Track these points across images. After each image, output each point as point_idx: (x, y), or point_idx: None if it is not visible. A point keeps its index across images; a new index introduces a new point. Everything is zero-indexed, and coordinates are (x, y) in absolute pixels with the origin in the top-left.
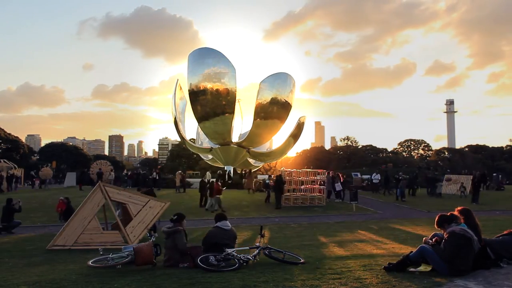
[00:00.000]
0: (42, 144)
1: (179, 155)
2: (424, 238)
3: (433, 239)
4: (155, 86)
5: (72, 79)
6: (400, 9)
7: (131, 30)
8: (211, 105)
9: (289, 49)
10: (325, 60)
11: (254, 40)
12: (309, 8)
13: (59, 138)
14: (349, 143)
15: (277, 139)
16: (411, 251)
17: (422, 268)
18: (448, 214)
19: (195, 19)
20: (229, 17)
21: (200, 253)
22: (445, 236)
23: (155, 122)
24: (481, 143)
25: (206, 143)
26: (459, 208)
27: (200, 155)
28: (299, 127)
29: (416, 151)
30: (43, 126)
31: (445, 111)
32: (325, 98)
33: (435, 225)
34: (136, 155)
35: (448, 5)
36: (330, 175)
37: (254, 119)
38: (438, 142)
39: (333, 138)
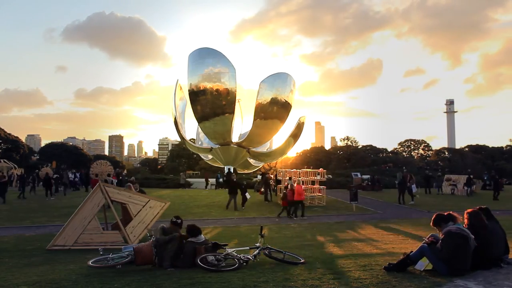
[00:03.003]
0: (42, 144)
1: (179, 155)
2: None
3: (429, 238)
4: (129, 86)
5: (45, 83)
6: (360, 14)
7: (93, 35)
8: (211, 105)
9: (256, 51)
10: (295, 62)
11: (220, 40)
12: (271, 12)
13: (59, 138)
14: (349, 143)
15: (277, 139)
16: (411, 251)
17: (425, 263)
18: (446, 214)
19: (146, 18)
20: (188, 18)
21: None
22: (441, 236)
23: (144, 122)
24: (475, 142)
25: (206, 143)
26: (469, 210)
27: (200, 155)
28: (299, 127)
29: (416, 151)
30: (32, 126)
31: (445, 111)
32: (306, 98)
33: (431, 224)
34: (136, 155)
35: (408, 11)
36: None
37: (254, 119)
38: (429, 142)
39: (333, 138)
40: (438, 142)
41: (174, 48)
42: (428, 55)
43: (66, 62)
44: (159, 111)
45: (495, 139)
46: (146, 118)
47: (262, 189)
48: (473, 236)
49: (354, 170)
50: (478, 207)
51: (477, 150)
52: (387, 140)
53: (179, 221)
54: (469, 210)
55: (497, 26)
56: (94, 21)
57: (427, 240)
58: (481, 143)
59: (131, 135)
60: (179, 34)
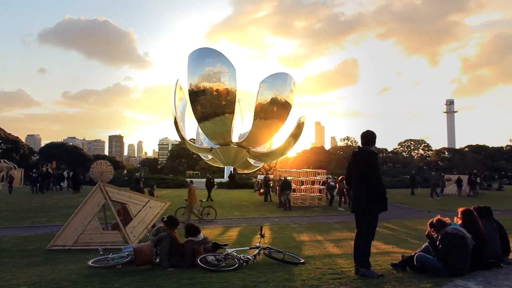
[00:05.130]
0: (42, 144)
1: (179, 155)
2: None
3: (432, 230)
4: (111, 87)
5: (28, 84)
6: (333, 18)
7: (67, 38)
8: (211, 105)
9: (232, 53)
10: (273, 63)
11: (194, 42)
12: (243, 16)
13: (59, 138)
14: (349, 143)
15: (277, 139)
16: (415, 253)
17: None
18: (434, 220)
19: (111, 18)
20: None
21: (189, 250)
22: (439, 237)
23: (137, 123)
24: (467, 143)
25: (206, 143)
26: (462, 209)
27: (200, 155)
28: (299, 127)
29: (416, 151)
30: (23, 126)
31: (445, 111)
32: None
33: (431, 231)
34: (136, 155)
35: (378, 16)
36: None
37: (254, 119)
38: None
39: (333, 138)
40: (431, 142)
41: (148, 50)
42: (405, 57)
43: (45, 64)
44: (148, 112)
45: (488, 139)
46: (138, 118)
47: (262, 190)
48: (470, 235)
49: None
50: (474, 207)
51: (477, 150)
52: (387, 140)
53: (165, 218)
54: (462, 209)
55: (465, 29)
56: (65, 25)
57: (431, 232)
58: (475, 143)
59: (126, 135)
60: (151, 36)
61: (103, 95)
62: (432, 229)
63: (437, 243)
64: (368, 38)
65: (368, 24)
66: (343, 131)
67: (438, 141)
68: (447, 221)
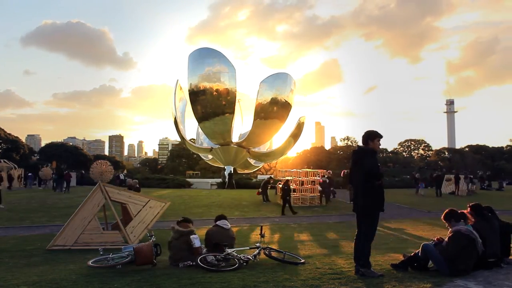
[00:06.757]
0: (42, 144)
1: (179, 155)
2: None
3: (437, 238)
4: (97, 88)
5: (16, 85)
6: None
7: (48, 41)
8: (211, 105)
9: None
10: (257, 65)
11: (174, 44)
12: (224, 19)
13: (59, 138)
14: (349, 143)
15: (277, 139)
16: (418, 251)
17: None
18: (459, 212)
19: (83, 20)
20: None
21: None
22: (449, 234)
23: (131, 123)
24: (463, 143)
25: (206, 143)
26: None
27: (200, 155)
28: (299, 127)
29: (416, 151)
30: (16, 126)
31: (445, 111)
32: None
33: (442, 218)
34: (136, 155)
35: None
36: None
37: (254, 119)
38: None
39: (333, 138)
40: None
41: (127, 50)
42: (389, 59)
43: (30, 66)
44: (140, 112)
45: (487, 139)
46: (131, 118)
47: (260, 190)
48: (481, 240)
49: None
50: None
51: (477, 150)
52: (387, 140)
53: (181, 218)
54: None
55: (441, 30)
56: (43, 29)
57: (435, 240)
58: (475, 143)
59: (123, 136)
60: (128, 36)
61: (92, 96)
62: (446, 221)
63: (447, 240)
64: (350, 40)
65: (349, 26)
66: (342, 131)
67: (434, 142)
68: (469, 218)
